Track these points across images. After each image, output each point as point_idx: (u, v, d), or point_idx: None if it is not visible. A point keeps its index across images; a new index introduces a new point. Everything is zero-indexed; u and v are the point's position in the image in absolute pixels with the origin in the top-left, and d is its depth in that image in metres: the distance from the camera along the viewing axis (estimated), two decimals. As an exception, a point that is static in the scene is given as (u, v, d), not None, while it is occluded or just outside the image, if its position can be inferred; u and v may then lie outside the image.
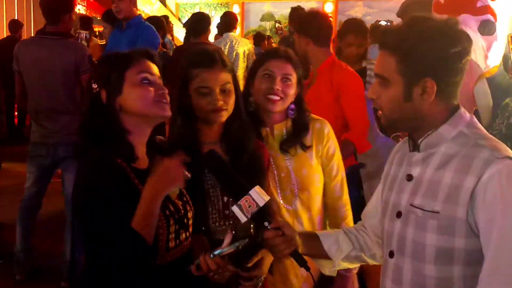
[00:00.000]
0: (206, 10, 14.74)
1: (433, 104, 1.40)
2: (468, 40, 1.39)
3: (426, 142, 1.43)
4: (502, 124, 2.86)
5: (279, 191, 2.07)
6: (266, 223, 1.53)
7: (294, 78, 2.07)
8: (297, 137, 2.10)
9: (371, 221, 1.70)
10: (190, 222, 1.68)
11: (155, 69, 1.62)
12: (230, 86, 1.82)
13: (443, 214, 1.34)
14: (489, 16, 3.87)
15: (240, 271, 1.74)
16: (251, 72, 2.14)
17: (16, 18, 9.26)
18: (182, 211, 1.64)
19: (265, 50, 2.27)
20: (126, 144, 1.56)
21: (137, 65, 1.58)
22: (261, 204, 1.49)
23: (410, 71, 1.37)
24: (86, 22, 6.94)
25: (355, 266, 1.82)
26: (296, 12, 5.58)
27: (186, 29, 5.03)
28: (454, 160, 1.36)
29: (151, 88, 1.57)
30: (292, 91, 2.07)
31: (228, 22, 5.81)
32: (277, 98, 2.03)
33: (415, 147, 1.47)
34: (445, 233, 1.35)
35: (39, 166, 3.62)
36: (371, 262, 1.72)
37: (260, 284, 1.82)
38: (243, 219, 1.49)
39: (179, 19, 12.96)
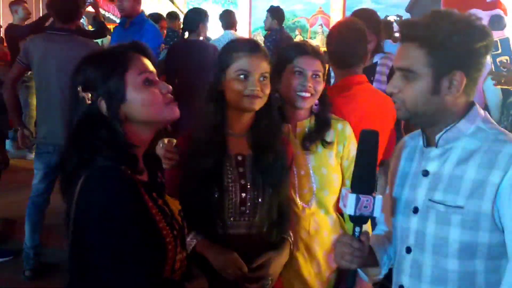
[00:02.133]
0: (213, 6, 14.73)
1: (457, 98, 1.40)
2: (492, 35, 1.41)
3: (445, 137, 1.42)
4: (507, 121, 2.85)
5: (297, 189, 2.05)
6: (357, 229, 1.45)
7: (322, 74, 2.08)
8: (319, 132, 2.09)
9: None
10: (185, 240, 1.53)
11: (151, 65, 1.43)
12: (268, 77, 1.81)
13: (467, 209, 1.34)
14: (499, 11, 3.84)
15: (248, 273, 1.74)
16: (276, 68, 2.07)
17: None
18: (183, 229, 1.50)
19: (288, 45, 2.20)
20: (131, 154, 1.37)
21: (135, 65, 1.38)
22: (376, 214, 1.42)
23: (440, 63, 1.37)
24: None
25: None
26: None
27: (183, 25, 5.02)
28: (476, 155, 1.37)
29: (156, 90, 1.39)
30: (321, 88, 2.07)
31: (228, 21, 5.94)
32: (308, 95, 2.03)
33: (429, 142, 1.47)
34: (469, 227, 1.35)
35: (46, 163, 3.63)
36: None
37: (268, 285, 1.80)
38: (350, 211, 1.41)
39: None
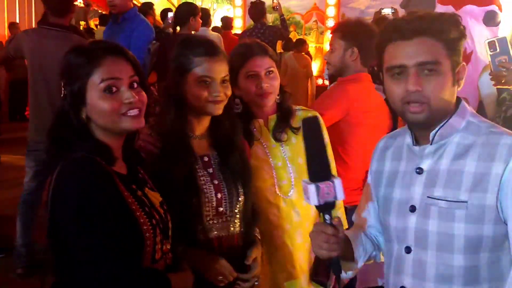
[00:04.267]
0: (208, 3, 14.69)
1: (456, 92, 1.42)
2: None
3: (440, 133, 1.41)
4: (499, 118, 2.84)
5: (276, 180, 2.06)
6: (327, 216, 1.42)
7: (275, 68, 2.07)
8: (284, 121, 2.10)
9: (371, 226, 1.68)
10: (170, 232, 1.56)
11: (124, 70, 1.42)
12: (228, 79, 1.79)
13: (471, 203, 1.34)
14: (494, 7, 3.83)
15: (239, 274, 1.72)
16: (232, 74, 2.04)
17: (17, 21, 9.26)
18: (165, 220, 1.53)
19: (235, 51, 2.17)
20: (102, 145, 1.41)
21: (102, 70, 1.39)
22: (340, 198, 1.39)
23: (455, 55, 1.39)
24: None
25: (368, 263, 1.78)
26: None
27: (174, 19, 4.98)
28: (473, 149, 1.37)
29: (116, 99, 1.39)
30: (278, 81, 2.07)
31: (203, 18, 5.93)
32: (267, 93, 2.03)
33: (418, 140, 1.47)
34: (474, 221, 1.34)
35: (38, 161, 3.60)
36: (383, 259, 1.70)
37: (257, 283, 1.81)
38: (314, 202, 1.38)
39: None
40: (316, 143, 1.44)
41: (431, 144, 1.43)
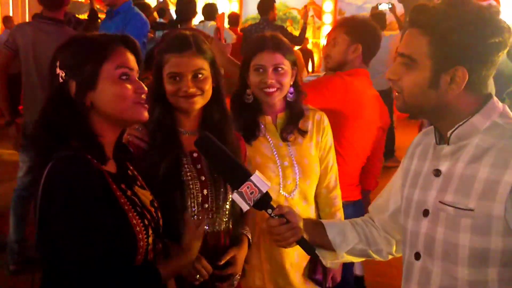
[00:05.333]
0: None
1: (461, 94, 1.28)
2: (509, 32, 1.26)
3: (457, 134, 1.31)
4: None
5: (281, 179, 2.05)
6: (269, 211, 1.46)
7: (286, 65, 2.04)
8: (293, 122, 2.10)
9: (381, 215, 1.62)
10: (161, 230, 1.53)
11: (133, 62, 1.42)
12: (205, 73, 1.74)
13: (478, 211, 1.23)
14: (492, 1, 3.81)
15: (214, 271, 1.70)
16: (244, 65, 2.11)
17: (11, 14, 9.19)
18: (156, 219, 1.50)
19: (248, 43, 2.17)
20: (96, 143, 1.37)
21: (115, 57, 1.37)
22: (265, 190, 1.42)
23: (442, 55, 1.25)
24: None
25: (359, 260, 1.76)
26: None
27: (176, 15, 4.95)
28: (490, 154, 1.25)
29: (130, 86, 1.38)
30: (287, 79, 2.05)
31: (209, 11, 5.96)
32: (272, 90, 2.02)
33: (441, 140, 1.37)
34: (480, 232, 1.23)
35: (31, 156, 3.54)
36: (376, 257, 1.64)
37: (236, 282, 1.79)
38: (245, 207, 1.42)
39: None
40: (217, 158, 1.49)
41: (448, 144, 1.33)
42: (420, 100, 1.32)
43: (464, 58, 1.24)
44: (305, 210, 2.11)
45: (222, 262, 1.74)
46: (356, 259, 1.69)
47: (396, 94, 1.36)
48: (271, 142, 2.07)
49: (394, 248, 1.63)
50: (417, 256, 1.37)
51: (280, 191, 2.04)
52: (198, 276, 1.67)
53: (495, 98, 1.32)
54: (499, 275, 1.24)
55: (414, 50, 1.29)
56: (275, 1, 6.18)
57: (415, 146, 1.51)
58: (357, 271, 2.73)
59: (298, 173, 2.07)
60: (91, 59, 1.35)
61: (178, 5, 4.79)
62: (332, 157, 2.20)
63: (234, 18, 8.10)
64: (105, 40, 1.40)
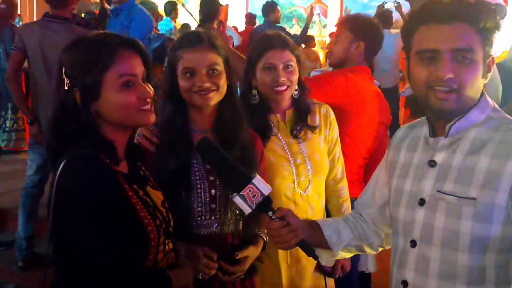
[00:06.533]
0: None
1: (483, 84, 1.35)
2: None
3: (456, 126, 1.36)
4: None
5: (295, 177, 2.05)
6: (270, 213, 1.48)
7: (294, 62, 2.05)
8: (303, 119, 2.10)
9: (368, 210, 1.66)
10: (171, 231, 1.53)
11: (138, 65, 1.40)
12: (220, 68, 1.72)
13: (480, 200, 1.27)
14: (500, 0, 3.80)
15: (223, 264, 1.70)
16: (249, 65, 2.09)
17: (19, 13, 9.20)
18: (167, 220, 1.50)
19: (255, 41, 2.16)
20: (108, 145, 1.37)
21: (118, 65, 1.35)
22: (266, 192, 1.43)
23: (488, 44, 1.31)
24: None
25: (352, 255, 1.78)
26: None
27: (200, 14, 4.92)
28: (489, 145, 1.30)
29: (133, 94, 1.37)
30: (296, 76, 2.06)
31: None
32: (283, 88, 2.03)
33: (435, 132, 1.42)
34: (482, 220, 1.28)
35: (41, 154, 3.58)
36: (368, 251, 1.69)
37: (238, 280, 1.78)
38: (247, 210, 1.43)
39: (183, 5, 12.82)
40: (217, 161, 1.49)
41: (446, 137, 1.38)
42: (476, 92, 1.34)
43: (492, 46, 1.32)
44: (318, 203, 2.13)
45: (240, 256, 1.73)
46: (348, 255, 1.72)
47: (449, 94, 1.32)
48: (282, 140, 2.07)
49: (384, 240, 1.67)
50: (413, 243, 1.41)
51: (295, 189, 2.05)
52: (205, 270, 1.66)
53: (486, 94, 1.38)
54: (496, 261, 1.29)
55: (471, 42, 1.30)
56: (277, 4, 6.19)
57: (400, 138, 1.55)
58: (370, 268, 2.73)
59: (310, 169, 2.08)
60: (93, 69, 1.33)
61: (202, 5, 4.78)
62: (338, 149, 2.22)
63: (250, 18, 8.47)
64: (108, 44, 1.37)
